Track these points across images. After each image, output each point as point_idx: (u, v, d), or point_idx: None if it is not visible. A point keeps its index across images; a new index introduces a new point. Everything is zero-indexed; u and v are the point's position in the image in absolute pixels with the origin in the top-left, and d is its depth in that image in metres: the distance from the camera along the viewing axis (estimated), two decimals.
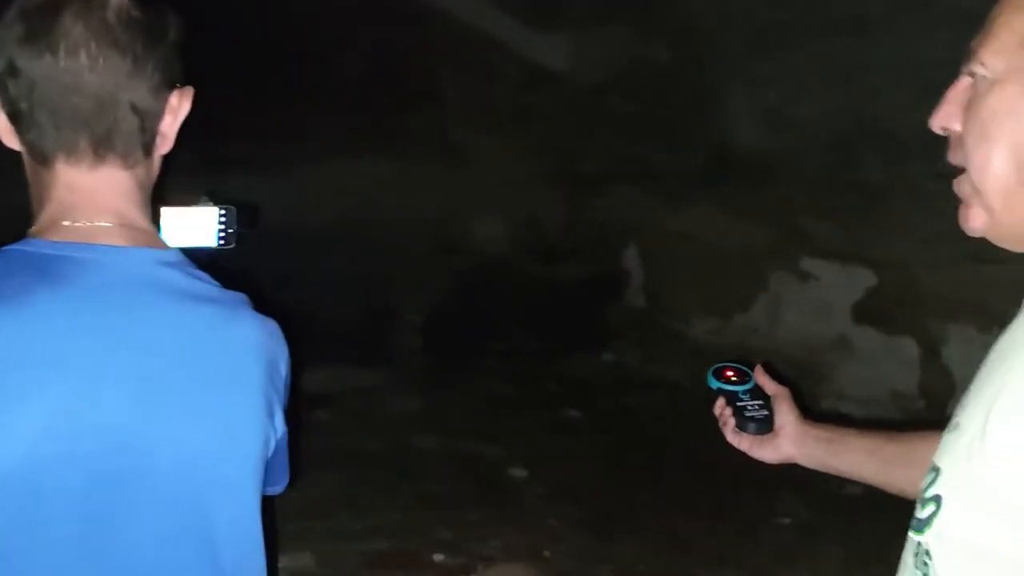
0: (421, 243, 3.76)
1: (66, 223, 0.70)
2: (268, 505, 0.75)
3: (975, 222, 0.68)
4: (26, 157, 0.72)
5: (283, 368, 0.76)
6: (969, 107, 0.66)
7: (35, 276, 0.67)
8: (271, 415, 0.74)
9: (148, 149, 0.73)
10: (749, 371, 0.87)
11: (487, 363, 3.09)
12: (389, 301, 3.64)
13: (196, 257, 0.98)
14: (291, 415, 0.79)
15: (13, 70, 0.68)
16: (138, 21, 0.69)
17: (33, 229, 0.71)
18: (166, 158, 0.79)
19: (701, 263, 3.28)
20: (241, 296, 0.75)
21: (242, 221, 1.07)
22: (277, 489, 0.81)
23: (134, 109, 0.70)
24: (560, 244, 3.75)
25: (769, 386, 0.86)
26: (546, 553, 1.97)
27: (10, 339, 0.65)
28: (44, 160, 0.70)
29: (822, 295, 3.08)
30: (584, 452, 2.44)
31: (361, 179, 3.76)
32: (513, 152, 3.61)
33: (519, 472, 2.32)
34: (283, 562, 1.80)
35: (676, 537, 2.04)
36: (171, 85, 0.73)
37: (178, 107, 0.74)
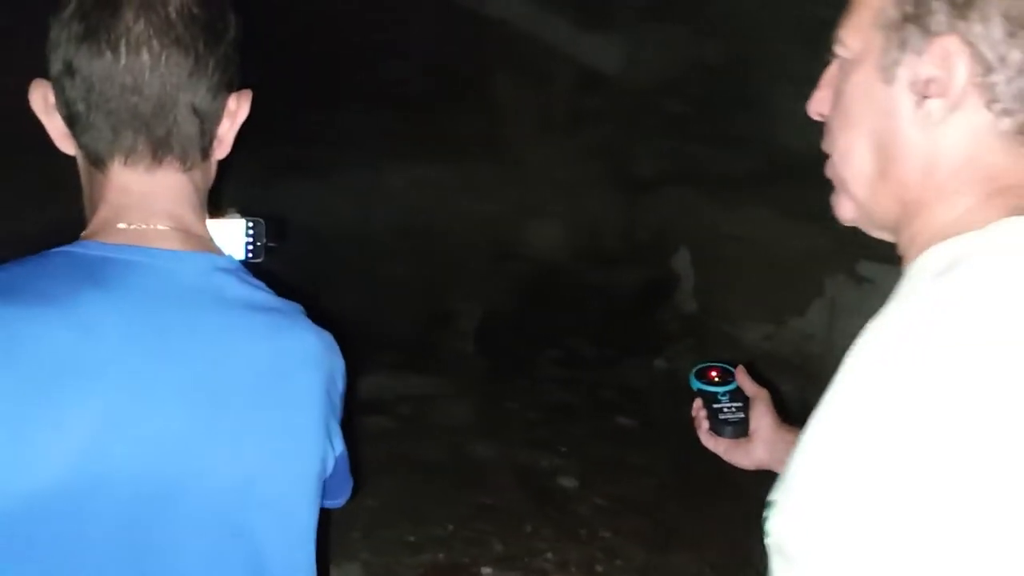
0: (476, 248, 3.75)
1: (121, 225, 0.67)
2: (321, 517, 0.72)
3: (844, 211, 0.64)
4: (81, 161, 0.69)
5: (340, 382, 0.73)
6: (835, 91, 0.62)
7: (84, 278, 0.63)
8: (328, 433, 0.70)
9: (206, 152, 0.69)
10: (734, 372, 0.83)
11: (542, 370, 3.06)
12: (444, 307, 3.64)
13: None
14: (347, 425, 0.75)
15: (70, 70, 0.64)
16: (200, 18, 0.66)
17: (85, 232, 0.68)
18: (223, 162, 0.76)
19: (756, 267, 3.20)
20: (297, 306, 0.72)
21: (270, 234, 1.05)
22: (337, 503, 0.77)
23: (194, 110, 0.66)
24: (615, 248, 3.71)
25: (749, 387, 0.81)
26: (599, 568, 1.93)
27: (56, 343, 0.61)
28: (99, 163, 0.67)
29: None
30: (639, 462, 2.39)
31: (417, 184, 3.77)
32: (567, 156, 3.58)
33: (573, 482, 2.29)
34: (332, 573, 1.80)
35: (736, 551, 1.97)
36: (230, 87, 0.69)
37: (236, 111, 0.71)
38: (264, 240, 1.03)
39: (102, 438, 0.61)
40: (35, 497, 0.59)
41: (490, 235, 3.76)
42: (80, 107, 0.65)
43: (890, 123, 0.59)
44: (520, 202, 3.65)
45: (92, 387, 0.61)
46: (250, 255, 1.03)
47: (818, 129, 0.67)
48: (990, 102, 0.55)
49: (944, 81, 0.56)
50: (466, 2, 3.15)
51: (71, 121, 0.66)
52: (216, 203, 0.80)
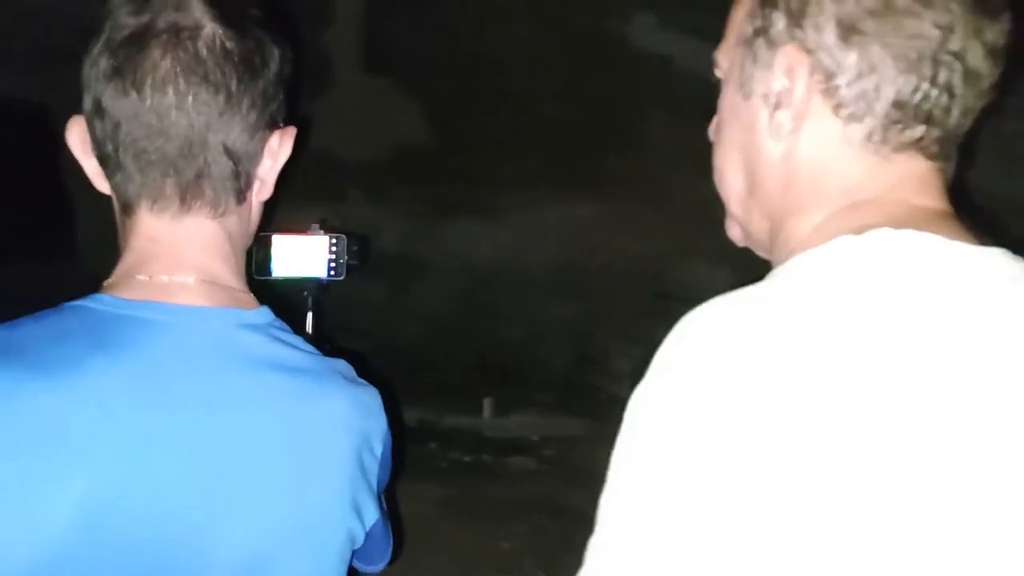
0: (631, 287, 3.67)
1: (141, 277, 0.63)
2: None
3: (732, 233, 0.65)
4: (114, 203, 0.66)
5: (379, 447, 0.66)
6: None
7: (93, 341, 0.59)
8: (357, 508, 0.64)
9: (241, 196, 0.65)
10: None
11: None
12: (598, 346, 3.57)
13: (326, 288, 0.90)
14: (390, 494, 0.69)
15: (99, 109, 0.62)
16: (233, 53, 0.62)
17: (106, 282, 0.64)
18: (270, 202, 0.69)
19: None
20: (336, 364, 0.66)
21: (353, 252, 1.02)
22: (373, 569, 0.71)
23: (227, 151, 0.62)
24: None
25: None
26: None
27: (51, 415, 0.57)
28: (127, 207, 0.64)
29: None
30: None
31: (573, 223, 3.76)
32: None
33: None
34: None
35: None
36: (271, 124, 0.65)
37: (279, 149, 0.66)
38: (347, 257, 1.01)
39: (94, 515, 0.57)
40: (31, 566, 0.56)
41: (646, 274, 3.67)
42: (109, 148, 0.62)
43: (752, 138, 0.59)
44: (676, 241, 3.54)
45: (87, 462, 0.57)
46: (332, 272, 1.01)
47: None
48: (836, 108, 0.55)
49: (789, 91, 0.56)
50: (629, 40, 3.13)
51: (102, 161, 0.63)
52: (272, 224, 0.76)
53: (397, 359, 3.09)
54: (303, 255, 0.99)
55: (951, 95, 0.54)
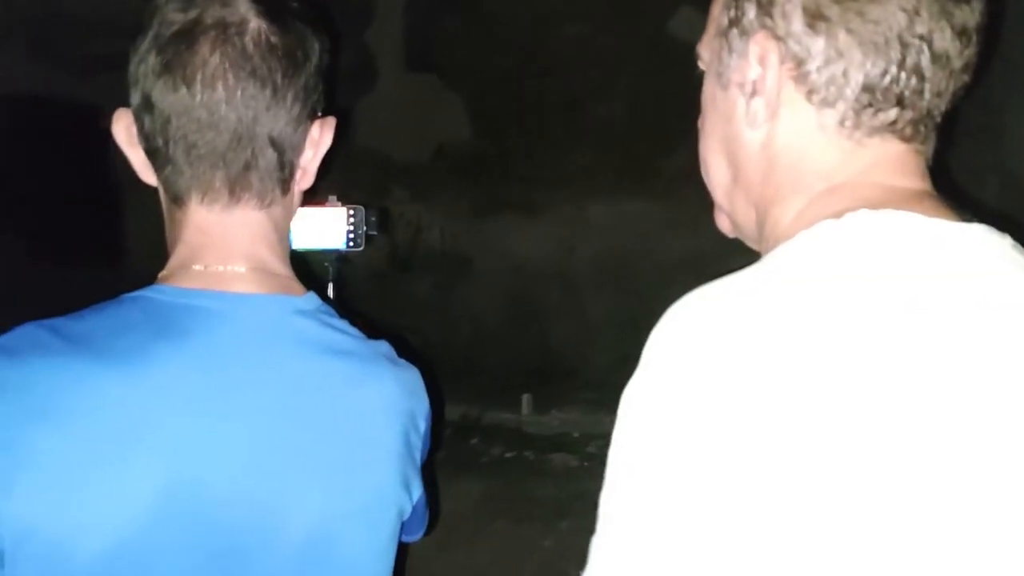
0: (680, 284, 3.61)
1: (197, 267, 0.64)
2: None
3: (721, 224, 0.65)
4: (162, 196, 0.67)
5: (423, 424, 0.68)
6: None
7: (156, 330, 0.61)
8: (406, 485, 0.66)
9: (286, 185, 0.66)
10: None
11: None
12: (642, 345, 3.54)
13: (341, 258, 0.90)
14: (428, 471, 0.71)
15: (148, 105, 0.63)
16: (278, 48, 0.63)
17: (162, 273, 0.66)
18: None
19: None
20: (380, 347, 0.68)
21: (371, 223, 1.02)
22: (412, 538, 0.73)
23: (272, 143, 0.64)
24: None
25: None
26: None
27: (121, 405, 0.58)
28: (177, 199, 0.65)
29: None
30: None
31: (621, 219, 3.73)
32: None
33: None
34: None
35: None
36: (312, 115, 0.66)
37: (320, 139, 0.68)
38: (365, 228, 1.01)
39: (167, 501, 0.58)
40: (95, 565, 0.57)
41: (693, 272, 3.62)
42: (159, 142, 0.63)
43: (731, 128, 0.59)
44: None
45: (157, 448, 0.59)
46: (351, 243, 1.01)
47: None
48: (809, 94, 0.55)
49: (763, 78, 0.57)
50: (676, 36, 3.10)
51: (151, 155, 0.65)
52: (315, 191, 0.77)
53: (441, 355, 3.10)
54: (322, 227, 1.00)
55: (920, 77, 0.54)
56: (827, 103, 0.56)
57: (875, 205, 0.53)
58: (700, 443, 0.46)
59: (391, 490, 0.66)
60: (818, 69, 0.55)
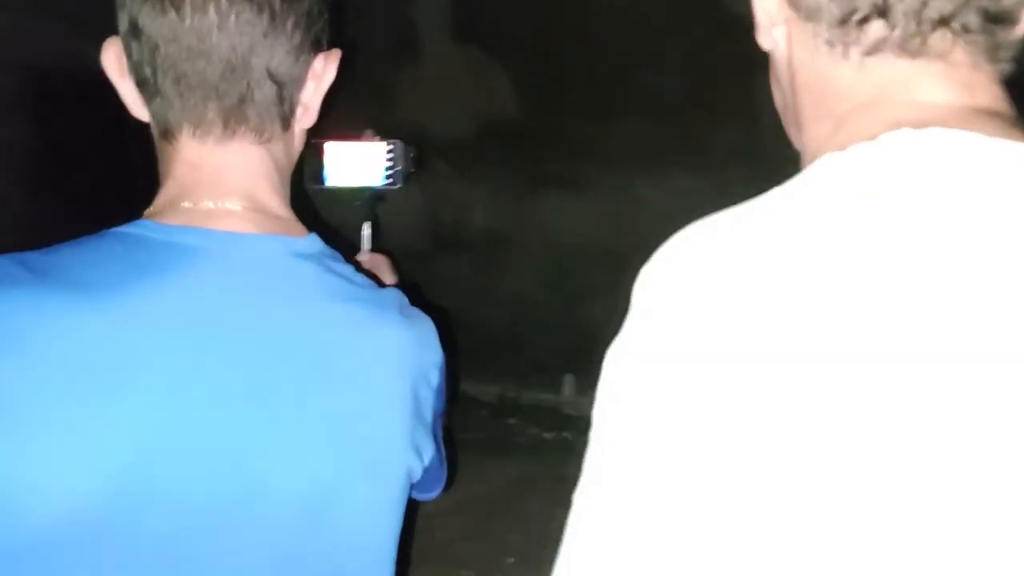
0: None
1: (186, 204, 0.59)
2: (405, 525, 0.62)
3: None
4: (153, 131, 0.62)
5: (435, 377, 0.63)
6: None
7: (135, 265, 0.56)
8: (416, 444, 0.60)
9: (287, 122, 0.61)
10: None
11: None
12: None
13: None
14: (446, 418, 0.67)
15: (135, 30, 0.58)
16: None
17: (148, 210, 0.60)
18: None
19: None
20: (390, 294, 0.62)
21: (410, 159, 0.96)
22: (428, 496, 0.68)
23: (270, 75, 0.59)
24: None
25: None
26: None
27: (94, 340, 0.53)
28: (167, 133, 0.60)
29: None
30: None
31: (670, 195, 3.64)
32: None
33: None
34: None
35: None
36: (316, 47, 0.61)
37: (323, 73, 0.62)
38: (403, 165, 0.95)
39: (143, 449, 0.53)
40: (64, 518, 0.52)
41: None
42: (147, 71, 0.58)
43: (768, 44, 0.56)
44: None
45: (132, 391, 0.53)
46: (389, 181, 0.95)
47: None
48: (793, 6, 0.51)
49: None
50: (728, 5, 2.98)
51: (141, 86, 0.59)
52: (324, 132, 0.72)
53: (481, 334, 3.06)
54: (358, 163, 0.95)
55: None
56: (810, 16, 0.50)
57: (918, 124, 0.46)
58: (700, 409, 0.41)
59: (398, 448, 0.60)
60: None
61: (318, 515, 0.58)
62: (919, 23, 0.47)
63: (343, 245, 0.69)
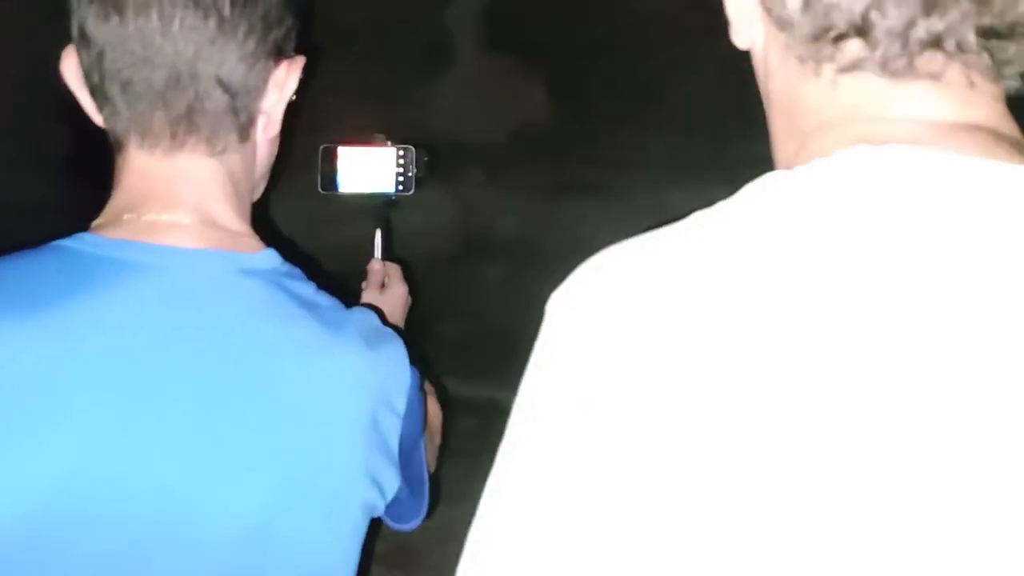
0: None
1: (128, 216, 0.57)
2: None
3: None
4: (110, 140, 0.60)
5: (401, 402, 0.60)
6: None
7: (70, 283, 0.53)
8: (373, 475, 0.58)
9: (244, 132, 0.59)
10: None
11: None
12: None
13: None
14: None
15: (83, 37, 0.56)
16: None
17: (95, 222, 0.59)
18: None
19: None
20: (352, 315, 0.59)
21: (423, 164, 0.95)
22: (405, 527, 0.66)
23: (221, 83, 0.56)
24: None
25: None
26: None
27: (25, 359, 0.51)
28: (117, 143, 0.59)
29: None
30: None
31: (699, 207, 3.60)
32: None
33: None
34: None
35: None
36: (276, 54, 0.58)
37: (285, 81, 0.60)
38: (415, 170, 0.94)
39: (74, 470, 0.51)
40: None
41: None
42: (95, 78, 0.57)
43: (755, 62, 0.53)
44: None
45: (67, 413, 0.51)
46: (400, 187, 0.95)
47: None
48: (767, 10, 0.47)
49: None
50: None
51: (93, 94, 0.58)
52: (337, 136, 0.71)
53: (511, 342, 3.05)
54: (369, 169, 0.95)
55: None
56: (782, 25, 0.46)
57: (882, 141, 0.42)
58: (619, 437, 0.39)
59: (352, 479, 0.57)
60: None
61: (260, 542, 0.55)
62: (905, 44, 0.42)
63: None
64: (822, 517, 0.35)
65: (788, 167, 0.46)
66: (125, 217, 0.58)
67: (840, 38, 0.44)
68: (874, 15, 0.42)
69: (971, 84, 0.44)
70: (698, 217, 0.43)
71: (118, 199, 0.60)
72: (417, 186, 0.99)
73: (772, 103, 0.51)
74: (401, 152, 0.97)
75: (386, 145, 0.98)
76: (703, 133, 3.52)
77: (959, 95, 0.44)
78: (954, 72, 0.44)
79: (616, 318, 0.40)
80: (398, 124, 2.94)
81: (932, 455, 0.36)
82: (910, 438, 0.36)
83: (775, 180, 0.43)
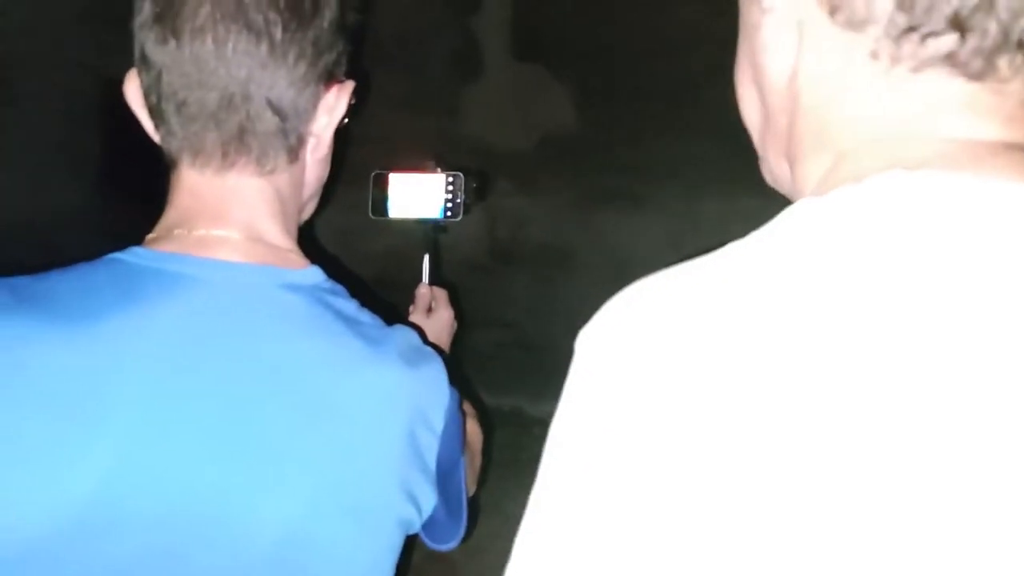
0: None
1: (179, 231, 0.59)
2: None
3: (764, 173, 0.56)
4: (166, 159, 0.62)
5: (439, 421, 0.60)
6: None
7: (119, 294, 0.55)
8: (409, 490, 0.58)
9: (294, 154, 0.60)
10: None
11: None
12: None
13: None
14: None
15: (144, 59, 0.59)
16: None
17: (148, 237, 0.61)
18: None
19: None
20: (394, 333, 0.60)
21: (471, 190, 0.96)
22: (442, 547, 0.66)
23: (271, 106, 0.58)
24: None
25: None
26: None
27: (74, 368, 0.52)
28: (172, 161, 0.61)
29: None
30: None
31: (733, 215, 3.57)
32: None
33: None
34: None
35: None
36: (326, 79, 0.60)
37: (335, 104, 0.62)
38: (464, 196, 0.95)
39: (111, 477, 0.52)
40: (29, 542, 0.51)
41: None
42: (153, 99, 0.59)
43: (757, 56, 0.47)
44: None
45: (112, 419, 0.52)
46: (448, 213, 0.95)
47: None
48: (832, 12, 0.43)
49: None
50: None
51: (151, 114, 0.60)
52: (390, 163, 0.72)
53: (539, 351, 3.03)
54: (418, 195, 0.96)
55: None
56: (853, 25, 0.43)
57: (917, 165, 0.40)
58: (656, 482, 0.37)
59: (387, 493, 0.58)
60: None
61: (295, 551, 0.55)
62: (1005, 38, 0.40)
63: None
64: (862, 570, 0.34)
65: (815, 188, 0.45)
66: (176, 232, 0.60)
67: (931, 35, 0.42)
68: (981, 13, 0.40)
69: (1020, 93, 0.43)
70: (730, 251, 0.41)
71: (170, 215, 0.62)
72: (464, 212, 1.00)
73: (802, 117, 0.47)
74: (450, 179, 0.99)
75: (436, 172, 1.00)
76: (732, 140, 3.48)
77: (1009, 110, 0.43)
78: (1019, 83, 0.42)
79: (648, 357, 0.39)
80: (426, 133, 2.95)
81: (970, 506, 0.34)
82: (954, 488, 0.34)
83: (808, 212, 0.41)
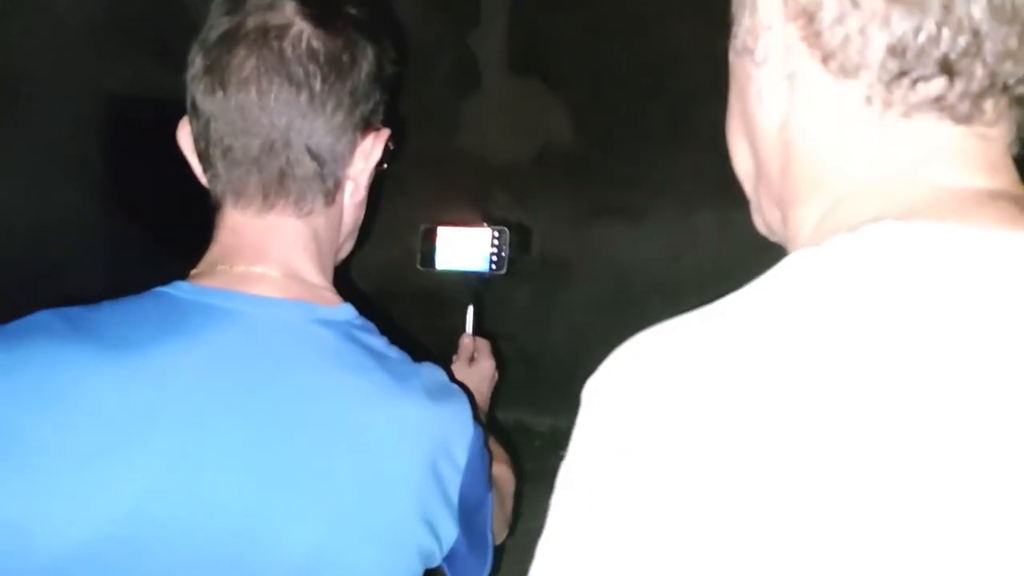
0: None
1: (221, 267, 0.62)
2: None
3: (755, 222, 0.57)
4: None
5: (462, 455, 0.62)
6: None
7: (164, 326, 0.58)
8: (429, 521, 0.60)
9: (330, 197, 0.63)
10: None
11: None
12: None
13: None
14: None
15: (194, 108, 0.62)
16: (319, 52, 0.60)
17: (192, 271, 0.64)
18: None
19: None
20: (421, 370, 0.62)
21: (515, 245, 0.98)
22: None
23: (310, 152, 0.61)
24: None
25: None
26: None
27: (117, 395, 0.55)
28: (217, 203, 0.64)
29: None
30: None
31: (728, 228, 3.60)
32: None
33: None
34: None
35: None
36: (364, 126, 0.63)
37: (371, 151, 0.64)
38: (508, 251, 0.98)
39: (152, 499, 0.55)
40: (62, 558, 0.54)
41: None
42: (202, 145, 0.62)
43: (747, 106, 0.49)
44: None
45: (149, 444, 0.55)
46: (493, 267, 0.98)
47: None
48: (825, 60, 0.44)
49: (768, 39, 0.46)
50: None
51: (200, 159, 0.64)
52: (439, 216, 0.74)
53: (537, 364, 3.05)
54: (466, 248, 0.99)
55: (974, 34, 0.41)
56: (846, 72, 0.44)
57: (907, 214, 0.41)
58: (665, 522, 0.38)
59: (407, 521, 0.60)
60: (830, 26, 0.43)
61: (317, 574, 0.57)
62: (992, 82, 0.42)
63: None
64: None
65: (810, 236, 0.46)
66: (219, 268, 0.63)
67: (920, 80, 0.43)
68: (968, 58, 0.42)
69: (1007, 145, 0.45)
70: (733, 301, 0.43)
71: (214, 252, 0.65)
72: (509, 265, 1.04)
73: (794, 164, 0.48)
74: (496, 233, 1.02)
75: (482, 226, 1.03)
76: (728, 155, 3.51)
77: (993, 158, 0.44)
78: (1003, 126, 0.44)
79: (654, 408, 0.40)
80: (425, 147, 2.97)
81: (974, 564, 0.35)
82: (954, 547, 0.35)
83: (806, 263, 0.42)
